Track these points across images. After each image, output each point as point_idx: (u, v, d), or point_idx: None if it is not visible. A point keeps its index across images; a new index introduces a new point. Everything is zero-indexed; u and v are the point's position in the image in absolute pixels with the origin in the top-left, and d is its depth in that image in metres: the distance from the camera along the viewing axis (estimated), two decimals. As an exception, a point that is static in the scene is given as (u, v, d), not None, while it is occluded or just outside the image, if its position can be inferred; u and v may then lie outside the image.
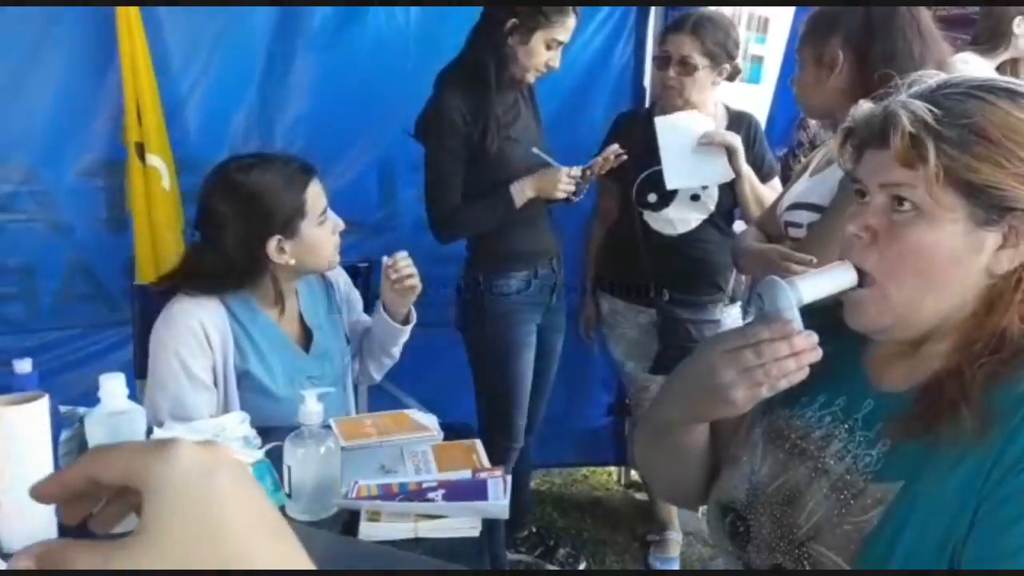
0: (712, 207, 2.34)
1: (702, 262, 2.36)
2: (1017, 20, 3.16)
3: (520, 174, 2.20)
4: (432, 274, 2.76)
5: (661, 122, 2.25)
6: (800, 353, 0.84)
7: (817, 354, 0.85)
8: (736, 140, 2.22)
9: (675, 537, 2.67)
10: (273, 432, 1.45)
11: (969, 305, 0.84)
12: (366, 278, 2.40)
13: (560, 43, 2.17)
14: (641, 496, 3.01)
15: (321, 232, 1.68)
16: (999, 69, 3.18)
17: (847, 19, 1.68)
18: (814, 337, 0.85)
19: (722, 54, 2.28)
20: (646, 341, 2.45)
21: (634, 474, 3.13)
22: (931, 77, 0.90)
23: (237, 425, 1.27)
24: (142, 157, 2.38)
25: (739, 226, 2.41)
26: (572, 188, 2.19)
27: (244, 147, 2.53)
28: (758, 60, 3.12)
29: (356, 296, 2.02)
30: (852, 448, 0.88)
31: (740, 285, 2.52)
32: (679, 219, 2.36)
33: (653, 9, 2.75)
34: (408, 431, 1.53)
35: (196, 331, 1.58)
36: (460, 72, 2.21)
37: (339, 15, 2.55)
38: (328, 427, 1.28)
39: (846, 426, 0.91)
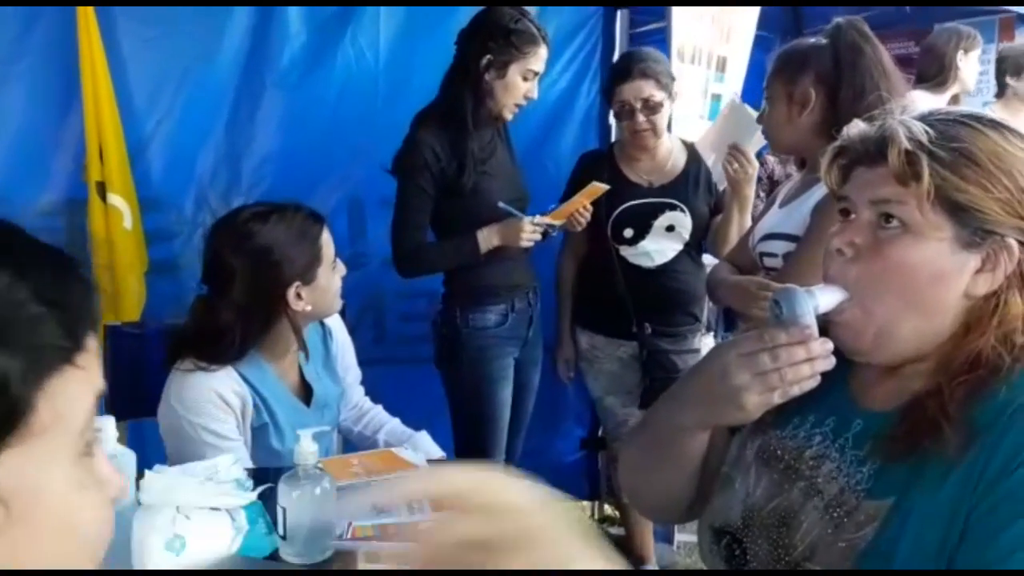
0: (687, 237, 2.39)
1: (680, 292, 2.40)
2: (959, 55, 3.31)
3: (496, 210, 2.22)
4: (406, 309, 2.79)
5: (738, 108, 2.33)
6: (815, 359, 0.85)
7: (831, 362, 0.86)
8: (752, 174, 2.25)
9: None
10: (263, 474, 1.41)
11: (948, 327, 0.86)
12: (341, 317, 2.38)
13: (536, 73, 2.21)
14: (615, 531, 2.99)
15: (333, 277, 1.69)
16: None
17: (816, 58, 1.74)
18: (830, 344, 0.86)
19: (671, 82, 2.37)
20: (626, 375, 2.47)
21: (607, 509, 3.12)
22: (914, 104, 0.94)
23: (230, 467, 1.24)
24: (103, 196, 2.33)
25: (708, 258, 2.46)
26: (536, 237, 2.21)
27: (211, 186, 2.51)
28: (717, 98, 3.21)
29: (350, 344, 1.99)
30: (844, 467, 0.90)
31: (713, 314, 2.56)
32: (656, 251, 2.39)
33: (618, 48, 2.81)
34: (396, 469, 1.51)
35: (216, 402, 1.55)
36: (437, 111, 2.23)
37: (307, 53, 2.56)
38: (321, 468, 1.25)
39: (837, 445, 0.92)
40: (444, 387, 2.40)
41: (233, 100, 2.50)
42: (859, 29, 1.79)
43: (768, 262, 1.87)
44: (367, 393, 2.23)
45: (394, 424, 1.96)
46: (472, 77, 2.18)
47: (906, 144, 0.84)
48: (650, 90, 2.29)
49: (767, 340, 0.86)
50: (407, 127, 2.27)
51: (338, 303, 1.74)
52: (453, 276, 2.36)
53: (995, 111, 3.62)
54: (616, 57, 2.80)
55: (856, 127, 0.92)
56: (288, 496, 1.20)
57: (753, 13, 3.21)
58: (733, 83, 3.24)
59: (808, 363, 0.85)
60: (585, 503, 3.18)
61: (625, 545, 2.77)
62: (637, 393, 2.46)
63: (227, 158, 2.51)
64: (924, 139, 0.84)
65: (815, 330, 0.86)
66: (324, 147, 2.58)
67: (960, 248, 0.84)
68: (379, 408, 2.02)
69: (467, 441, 2.38)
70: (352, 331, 2.05)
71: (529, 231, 2.19)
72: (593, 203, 2.32)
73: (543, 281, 2.49)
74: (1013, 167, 0.84)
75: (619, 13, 2.88)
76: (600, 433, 2.95)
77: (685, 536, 2.86)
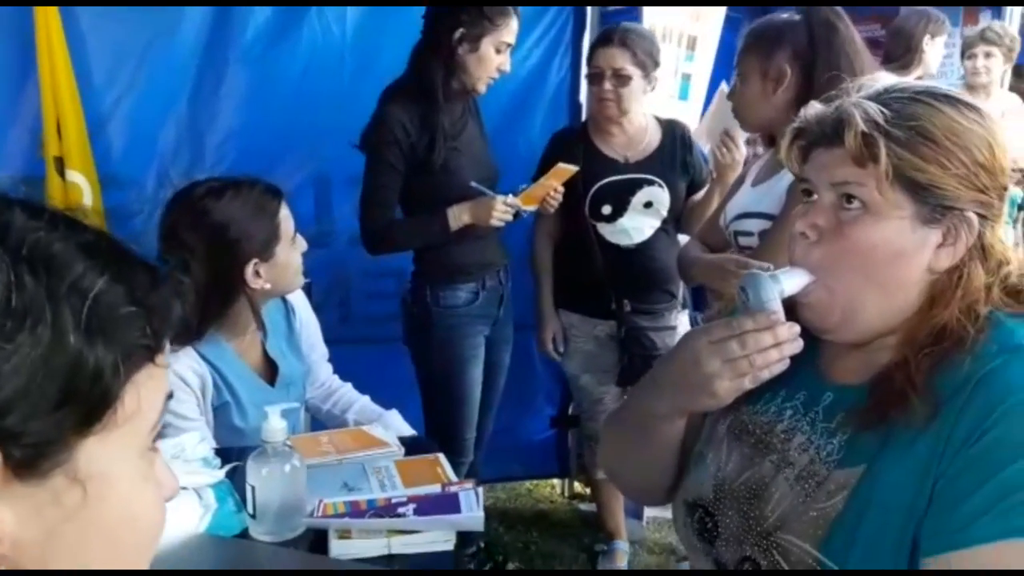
0: (665, 213, 2.39)
1: (658, 270, 2.40)
2: (926, 38, 3.34)
3: (467, 186, 2.20)
4: (372, 288, 2.76)
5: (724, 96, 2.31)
6: (782, 344, 0.87)
7: (798, 345, 0.88)
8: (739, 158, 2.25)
9: (623, 547, 2.68)
10: (227, 453, 1.39)
11: (913, 302, 0.87)
12: (306, 294, 2.36)
13: (508, 45, 2.19)
14: (586, 507, 3.02)
15: (292, 253, 1.66)
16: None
17: (791, 34, 1.74)
18: (796, 328, 0.88)
19: (651, 63, 2.35)
20: (603, 354, 2.47)
21: (577, 485, 3.14)
22: (876, 82, 0.94)
23: (196, 445, 1.22)
24: (61, 173, 2.27)
25: (683, 237, 2.46)
26: (508, 217, 2.20)
27: (173, 163, 2.45)
28: (687, 78, 3.21)
29: (315, 321, 1.96)
30: (815, 439, 0.91)
31: (688, 292, 2.57)
32: (634, 228, 2.39)
33: (588, 26, 2.79)
34: (368, 447, 1.49)
35: (176, 383, 1.52)
36: (406, 86, 2.20)
37: (272, 28, 2.51)
38: (290, 446, 1.23)
39: (808, 418, 0.93)
40: (414, 366, 2.39)
41: (196, 75, 2.44)
42: (832, 7, 1.79)
43: (743, 241, 1.87)
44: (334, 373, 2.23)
45: (364, 402, 1.94)
46: (444, 51, 2.15)
47: (862, 126, 0.84)
48: (623, 62, 2.29)
49: (735, 327, 0.87)
50: (375, 103, 2.24)
51: (299, 280, 1.71)
52: (423, 254, 2.34)
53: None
54: (587, 32, 2.78)
55: (813, 108, 0.92)
56: (257, 474, 1.18)
57: (722, -8, 3.21)
58: (703, 63, 3.24)
59: (776, 348, 0.86)
60: (556, 481, 3.20)
61: (596, 521, 2.79)
62: (614, 372, 2.46)
63: (189, 134, 2.46)
64: (880, 119, 0.84)
65: (781, 315, 0.87)
66: (289, 123, 2.53)
67: (921, 225, 0.85)
68: (348, 386, 2.00)
69: (438, 420, 2.36)
70: (317, 310, 2.03)
71: (501, 210, 2.17)
72: (566, 183, 2.31)
73: (514, 259, 2.48)
74: (969, 142, 0.85)
75: (590, -11, 2.85)
76: (571, 411, 2.96)
77: (654, 512, 2.89)
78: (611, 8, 3.13)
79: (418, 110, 2.16)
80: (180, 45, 2.40)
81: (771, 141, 1.95)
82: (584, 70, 2.77)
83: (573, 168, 2.24)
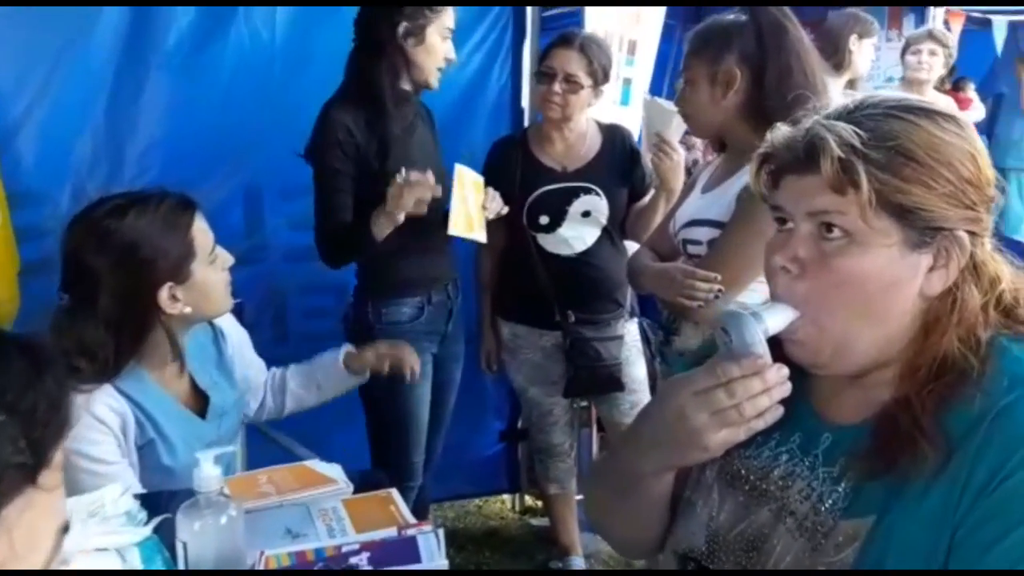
0: (604, 221, 2.33)
1: (601, 279, 2.35)
2: (852, 39, 3.37)
3: None
4: (310, 305, 2.64)
5: (650, 103, 2.29)
6: (771, 389, 0.81)
7: (787, 388, 0.82)
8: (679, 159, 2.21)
9: (578, 563, 2.63)
10: (156, 500, 1.26)
11: (907, 331, 0.82)
12: (238, 317, 2.22)
13: (450, 30, 2.12)
14: (538, 522, 2.95)
15: (213, 271, 1.51)
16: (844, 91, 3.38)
17: (739, 37, 1.69)
18: (785, 370, 0.82)
19: (602, 77, 2.31)
20: (549, 365, 2.41)
21: (529, 500, 3.06)
22: (846, 99, 0.89)
23: (117, 499, 1.09)
24: (-36, 190, 2.09)
25: (630, 245, 2.41)
26: (405, 198, 1.95)
27: (90, 177, 2.29)
28: (627, 82, 3.18)
29: (246, 338, 1.83)
30: (816, 486, 0.85)
31: (635, 299, 2.52)
32: (574, 237, 2.33)
33: (529, 30, 2.72)
34: (312, 486, 1.38)
35: (89, 423, 1.37)
36: (350, 92, 2.09)
37: (196, 31, 2.37)
38: (226, 494, 1.11)
39: (807, 463, 0.87)
40: (357, 387, 2.27)
41: (113, 82, 2.28)
42: (778, 7, 1.75)
43: (692, 249, 1.83)
44: None
45: (292, 370, 1.86)
46: (387, 51, 2.05)
47: (838, 151, 0.78)
48: (578, 68, 2.24)
49: (720, 375, 0.81)
50: (308, 109, 2.12)
51: (227, 302, 1.57)
52: (365, 267, 2.23)
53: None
54: (528, 36, 2.72)
55: (780, 132, 0.86)
56: (188, 529, 1.06)
57: (661, -4, 3.19)
58: (643, 67, 3.21)
59: (766, 393, 0.80)
60: (506, 496, 3.12)
61: (550, 536, 2.72)
62: (561, 383, 2.40)
63: (107, 146, 2.30)
64: (856, 142, 0.78)
65: (768, 357, 0.81)
66: (216, 132, 2.39)
67: (910, 250, 0.80)
68: (275, 371, 1.88)
69: (384, 444, 2.26)
70: (250, 331, 1.90)
71: (395, 190, 1.94)
72: (506, 189, 2.22)
73: (465, 271, 2.39)
74: (952, 157, 0.79)
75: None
76: (520, 425, 2.89)
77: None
78: (552, 11, 3.08)
79: (364, 115, 2.05)
80: (96, 49, 2.24)
81: (721, 146, 1.91)
82: (526, 75, 2.72)
83: (474, 174, 2.12)
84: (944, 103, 3.89)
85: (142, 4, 2.28)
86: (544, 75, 2.28)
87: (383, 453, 2.25)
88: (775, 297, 0.85)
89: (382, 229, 2.00)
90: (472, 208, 2.07)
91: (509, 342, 2.47)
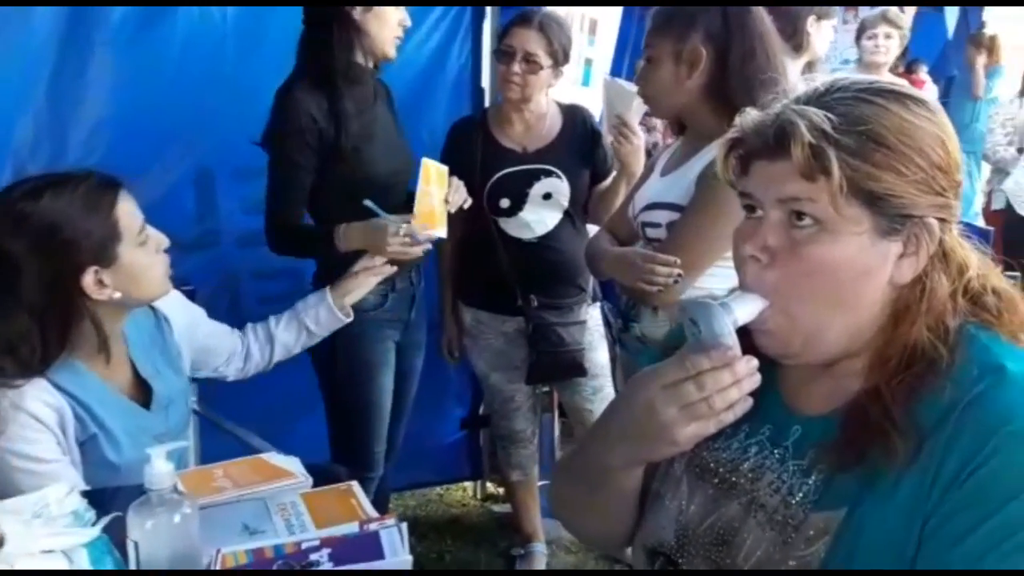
0: (565, 204, 2.30)
1: (564, 263, 2.31)
2: (810, 20, 3.38)
3: (380, 174, 2.05)
4: (265, 291, 2.57)
5: (610, 84, 2.22)
6: (741, 381, 0.79)
7: (756, 380, 0.81)
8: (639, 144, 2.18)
9: (540, 549, 2.62)
10: (100, 496, 1.21)
11: (877, 319, 0.81)
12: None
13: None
14: (500, 508, 2.93)
15: (144, 254, 1.44)
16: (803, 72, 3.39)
17: (705, 15, 1.66)
18: (754, 362, 0.80)
19: (562, 56, 2.27)
20: (511, 350, 2.38)
21: (490, 486, 3.05)
22: (813, 81, 0.87)
23: (63, 499, 1.04)
24: None
25: (592, 228, 2.39)
26: (410, 251, 1.93)
27: (32, 159, 2.19)
28: (589, 63, 3.15)
29: (195, 310, 1.77)
30: (786, 478, 0.84)
31: (597, 284, 2.50)
32: (535, 221, 2.30)
33: (489, 8, 2.67)
34: (269, 479, 1.33)
35: (23, 421, 1.31)
36: (306, 73, 2.01)
37: (143, 9, 2.27)
38: (180, 491, 1.07)
39: (776, 455, 0.86)
40: (317, 375, 2.22)
41: (55, 60, 2.17)
42: None
43: (651, 232, 1.81)
44: (221, 394, 2.06)
45: (275, 321, 1.91)
46: (338, 24, 1.97)
47: (808, 136, 0.76)
48: (537, 47, 2.19)
49: (689, 368, 0.80)
50: (261, 91, 2.05)
51: (162, 285, 1.49)
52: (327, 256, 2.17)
53: (851, 78, 3.75)
54: (488, 14, 2.67)
55: (749, 116, 0.84)
56: (140, 528, 1.01)
57: (623, -24, 3.16)
58: (604, 47, 3.19)
59: (736, 385, 0.79)
60: (467, 484, 3.09)
61: (512, 523, 2.71)
62: (523, 368, 2.37)
63: (50, 127, 2.19)
64: (827, 127, 0.76)
65: (737, 349, 0.80)
66: (166, 113, 2.30)
67: (880, 238, 0.79)
68: (254, 326, 1.91)
69: (344, 434, 2.21)
70: None
71: (396, 243, 1.90)
72: (465, 172, 2.17)
73: (427, 257, 2.35)
74: (923, 142, 0.78)
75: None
76: (481, 411, 2.86)
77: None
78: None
79: (324, 95, 1.98)
80: (36, 25, 2.13)
81: (679, 129, 1.89)
82: (486, 54, 2.67)
83: (440, 166, 2.01)
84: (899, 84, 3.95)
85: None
86: (503, 54, 2.24)
87: (343, 444, 2.20)
88: (744, 286, 0.84)
89: (351, 246, 1.97)
90: (436, 202, 2.00)
91: (471, 328, 2.44)
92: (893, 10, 4.10)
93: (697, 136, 1.75)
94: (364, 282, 1.95)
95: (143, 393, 1.52)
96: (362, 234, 1.96)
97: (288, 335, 1.90)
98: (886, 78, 3.73)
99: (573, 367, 2.32)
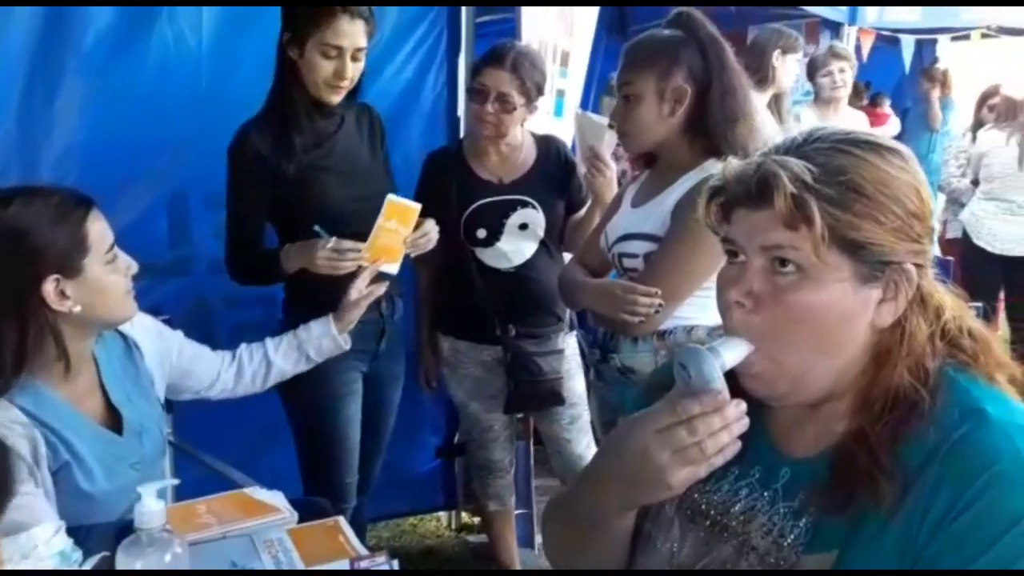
0: (541, 234, 2.32)
1: (541, 293, 2.32)
2: (776, 54, 3.47)
3: (334, 202, 2.04)
4: (239, 319, 2.53)
5: (582, 117, 2.27)
6: (731, 425, 0.81)
7: (745, 423, 0.82)
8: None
9: (517, 580, 2.60)
10: (80, 532, 1.18)
11: (859, 362, 0.84)
12: (167, 332, 2.12)
13: (338, 48, 1.94)
14: (475, 539, 2.91)
15: (110, 272, 1.43)
16: (768, 105, 3.47)
17: (686, 53, 1.70)
18: (743, 406, 0.82)
19: (536, 92, 2.28)
20: (489, 379, 2.37)
21: (465, 516, 3.02)
22: (790, 132, 0.90)
23: (50, 539, 1.01)
24: None
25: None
26: (341, 264, 1.91)
27: (2, 182, 2.15)
28: (561, 94, 3.18)
29: (170, 333, 1.74)
30: (777, 520, 0.86)
31: (573, 313, 2.51)
32: (512, 251, 2.31)
33: (464, 38, 2.69)
34: (254, 515, 1.31)
35: None
36: (266, 103, 2.04)
37: (116, 34, 2.25)
38: (170, 530, 1.05)
39: (767, 497, 0.88)
40: (283, 405, 2.19)
41: (24, 86, 2.14)
42: (707, 20, 1.77)
43: (628, 262, 1.83)
44: (191, 425, 2.03)
45: (274, 345, 1.91)
46: (281, 60, 2.00)
47: (791, 187, 0.79)
48: (510, 88, 2.19)
49: (681, 413, 0.81)
50: (236, 116, 2.05)
51: (126, 307, 1.48)
52: (292, 283, 2.15)
53: (805, 112, 3.86)
54: (463, 45, 2.69)
55: (731, 166, 0.87)
56: (130, 567, 0.99)
57: (594, 8, 3.20)
58: (575, 78, 3.22)
59: (725, 430, 0.81)
60: (442, 514, 3.06)
61: (488, 553, 2.69)
62: (501, 398, 2.36)
63: (20, 152, 2.16)
64: (808, 178, 0.79)
65: (726, 393, 0.82)
66: (139, 139, 2.27)
67: (861, 284, 0.81)
68: (249, 348, 1.90)
69: (314, 464, 2.18)
70: None
71: (324, 256, 1.89)
72: (441, 202, 2.17)
73: (408, 290, 2.34)
74: (899, 191, 0.82)
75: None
76: (457, 440, 2.85)
77: (545, 538, 2.82)
78: (486, 18, 3.06)
79: (274, 126, 2.01)
80: (5, 49, 2.09)
81: (647, 162, 1.92)
82: (461, 83, 2.69)
83: (408, 203, 1.95)
84: (859, 119, 4.07)
85: (58, 4, 2.15)
86: (476, 92, 2.23)
87: (314, 475, 2.17)
88: (730, 331, 0.86)
89: (292, 265, 1.99)
90: (393, 239, 1.95)
91: (449, 357, 2.43)
92: (839, 44, 4.24)
93: (670, 168, 1.78)
94: (360, 307, 1.95)
95: (115, 420, 1.49)
96: (298, 252, 1.98)
97: (286, 362, 1.90)
98: (844, 112, 3.86)
99: (551, 396, 2.32)
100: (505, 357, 2.30)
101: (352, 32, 1.95)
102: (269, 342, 1.91)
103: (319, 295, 2.05)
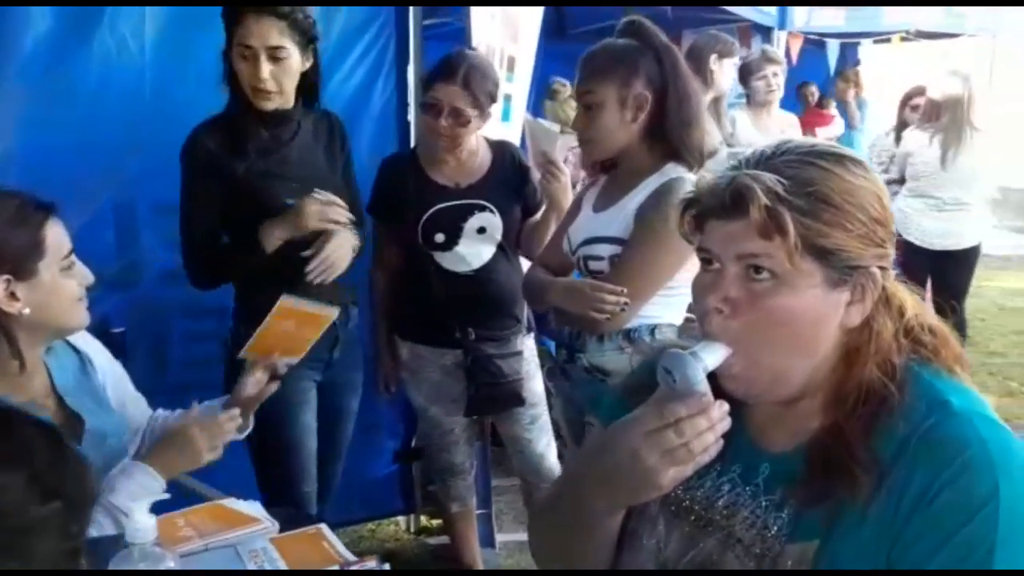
0: (499, 238, 2.34)
1: (500, 295, 2.35)
2: (713, 59, 3.57)
3: (285, 208, 2.00)
4: (192, 329, 2.49)
5: (533, 124, 2.28)
6: (715, 425, 0.86)
7: (728, 423, 0.87)
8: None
9: (480, 580, 2.62)
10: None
11: (830, 360, 0.89)
12: (120, 347, 2.07)
13: (248, 47, 1.89)
14: (434, 541, 2.91)
15: (65, 280, 1.42)
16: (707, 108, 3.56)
17: (644, 60, 1.75)
18: (726, 406, 0.87)
19: (489, 102, 2.30)
20: (449, 383, 2.38)
21: (423, 519, 3.02)
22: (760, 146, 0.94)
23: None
24: None
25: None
26: (334, 215, 1.93)
27: (-62, 193, 2.07)
28: (508, 99, 3.21)
29: (120, 371, 1.70)
30: (760, 513, 0.91)
31: (532, 314, 2.55)
32: (471, 254, 2.32)
33: (412, 44, 2.70)
34: (234, 526, 1.31)
35: None
36: (225, 107, 2.02)
37: (55, 41, 2.19)
38: (160, 545, 1.03)
39: (748, 491, 0.93)
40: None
41: (-39, 91, 2.08)
42: (659, 29, 1.83)
43: (593, 265, 1.88)
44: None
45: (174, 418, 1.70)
46: (228, 67, 1.98)
47: (765, 199, 0.84)
48: (463, 103, 2.19)
49: (668, 416, 0.85)
50: (183, 122, 2.03)
51: (77, 315, 1.47)
52: (243, 291, 2.13)
53: (739, 115, 3.97)
54: (412, 49, 2.69)
55: (705, 179, 0.92)
56: (122, 584, 0.98)
57: (538, 12, 3.24)
58: (521, 83, 3.25)
59: (711, 430, 0.85)
60: (400, 518, 3.06)
61: (448, 555, 2.70)
62: (462, 401, 2.38)
63: (-43, 158, 2.09)
64: (780, 190, 0.84)
65: (710, 395, 0.86)
66: (83, 146, 2.21)
67: (831, 288, 0.87)
68: (157, 416, 1.75)
69: (269, 473, 2.14)
70: (128, 359, 1.82)
71: (316, 208, 1.89)
72: (398, 207, 2.17)
73: (365, 297, 2.33)
74: (863, 200, 0.87)
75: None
76: (414, 443, 2.85)
77: (504, 536, 2.86)
78: (432, 20, 3.07)
79: (222, 128, 1.99)
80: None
81: (603, 168, 1.96)
82: (411, 89, 2.69)
83: (309, 309, 1.82)
84: (790, 121, 4.21)
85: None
86: (429, 107, 2.24)
87: (270, 485, 2.13)
88: (708, 336, 0.90)
89: (274, 240, 1.95)
90: (289, 340, 1.82)
91: (409, 362, 2.43)
92: (771, 48, 4.39)
93: (630, 173, 1.84)
94: (257, 401, 1.77)
95: (74, 427, 1.46)
96: (280, 222, 1.93)
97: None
98: (776, 113, 3.96)
99: (513, 397, 2.35)
100: (465, 360, 2.32)
101: (261, 31, 1.89)
102: (172, 414, 1.75)
103: (266, 301, 2.02)
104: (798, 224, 0.83)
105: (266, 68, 1.91)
